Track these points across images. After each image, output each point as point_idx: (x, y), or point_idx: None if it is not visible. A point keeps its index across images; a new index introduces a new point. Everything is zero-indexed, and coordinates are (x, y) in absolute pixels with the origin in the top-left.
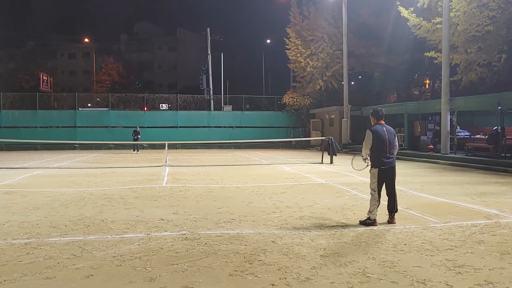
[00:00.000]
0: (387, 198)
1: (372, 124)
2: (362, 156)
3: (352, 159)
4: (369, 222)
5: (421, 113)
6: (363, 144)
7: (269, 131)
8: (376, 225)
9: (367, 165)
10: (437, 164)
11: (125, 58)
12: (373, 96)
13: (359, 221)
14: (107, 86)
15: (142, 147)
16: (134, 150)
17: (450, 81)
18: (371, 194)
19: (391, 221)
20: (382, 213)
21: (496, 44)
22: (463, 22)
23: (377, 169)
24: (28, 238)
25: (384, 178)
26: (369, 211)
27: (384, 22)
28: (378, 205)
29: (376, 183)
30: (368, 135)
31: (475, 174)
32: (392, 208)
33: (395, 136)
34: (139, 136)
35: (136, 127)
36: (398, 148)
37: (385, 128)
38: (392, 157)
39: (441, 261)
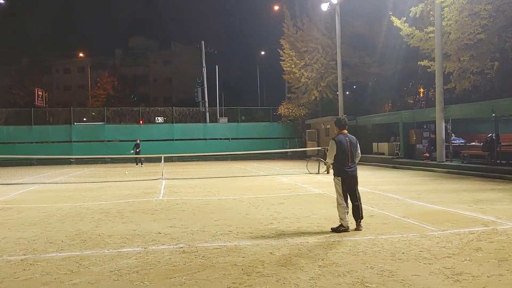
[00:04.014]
0: (351, 205)
1: (336, 133)
2: (326, 163)
3: (307, 164)
4: (342, 229)
5: (416, 121)
6: (327, 153)
7: (265, 142)
8: (349, 231)
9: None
10: (433, 172)
11: (120, 72)
12: (368, 105)
13: (331, 229)
14: (102, 100)
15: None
16: (137, 164)
17: (444, 89)
18: (338, 202)
19: (357, 228)
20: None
21: (489, 52)
22: (455, 31)
23: (340, 177)
24: (24, 255)
25: (347, 186)
26: (341, 219)
27: (377, 32)
28: (348, 212)
29: (341, 190)
30: (332, 145)
31: (471, 182)
32: (357, 215)
33: (357, 144)
34: (138, 150)
35: (136, 140)
36: (360, 155)
37: (347, 138)
38: (354, 166)
39: (439, 269)
